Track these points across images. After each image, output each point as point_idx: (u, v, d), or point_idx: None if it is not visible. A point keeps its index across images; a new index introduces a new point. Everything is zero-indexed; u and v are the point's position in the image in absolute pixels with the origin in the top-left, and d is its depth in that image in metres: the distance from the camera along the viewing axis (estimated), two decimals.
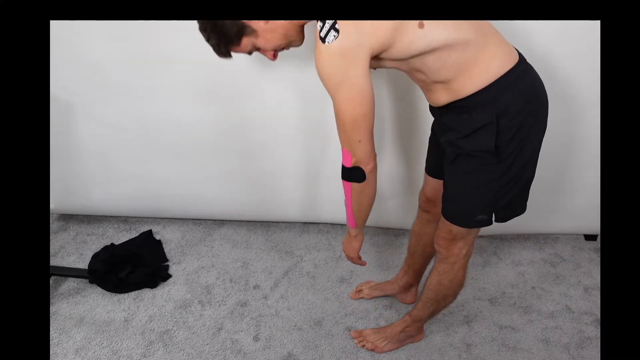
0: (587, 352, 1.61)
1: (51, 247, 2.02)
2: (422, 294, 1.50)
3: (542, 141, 1.24)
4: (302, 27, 1.18)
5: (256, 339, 1.66)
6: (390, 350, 1.61)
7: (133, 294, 1.81)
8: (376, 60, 1.12)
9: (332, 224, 2.13)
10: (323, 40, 1.04)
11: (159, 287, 1.85)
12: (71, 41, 1.65)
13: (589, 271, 1.93)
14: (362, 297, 1.80)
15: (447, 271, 1.40)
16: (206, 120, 1.79)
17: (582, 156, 1.77)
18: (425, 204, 1.55)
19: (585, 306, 1.78)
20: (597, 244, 2.06)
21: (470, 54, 1.10)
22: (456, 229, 1.31)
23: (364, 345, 1.62)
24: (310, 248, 2.03)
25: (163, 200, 2.02)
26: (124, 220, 2.17)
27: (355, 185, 1.22)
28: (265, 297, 1.81)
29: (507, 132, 1.14)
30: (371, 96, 1.10)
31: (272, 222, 2.16)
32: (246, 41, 1.14)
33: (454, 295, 1.47)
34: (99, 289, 1.83)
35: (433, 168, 1.47)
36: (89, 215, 2.18)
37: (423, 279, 1.71)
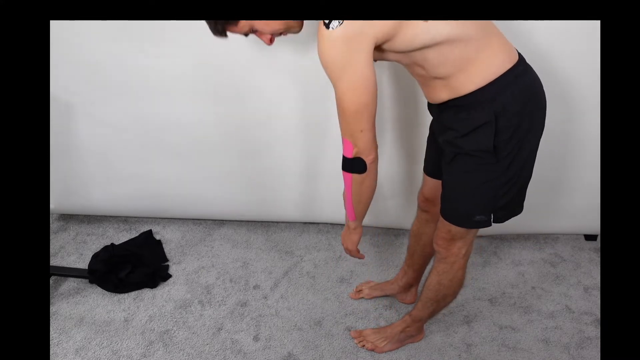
0: (587, 352, 1.61)
1: (51, 247, 2.02)
2: (422, 294, 1.50)
3: (540, 141, 1.24)
4: None
5: (256, 339, 1.66)
6: (390, 350, 1.61)
7: (133, 294, 1.81)
8: (379, 51, 1.10)
9: (332, 224, 2.13)
10: (327, 26, 1.02)
11: (159, 287, 1.85)
12: (71, 41, 1.65)
13: (589, 271, 1.93)
14: (362, 297, 1.80)
15: (447, 271, 1.40)
16: (206, 120, 1.79)
17: (583, 156, 1.77)
18: (424, 203, 1.55)
19: (585, 306, 1.78)
20: (597, 244, 2.06)
21: (472, 52, 1.09)
22: (455, 229, 1.31)
23: (364, 345, 1.62)
24: (310, 248, 2.03)
25: (163, 200, 2.02)
26: (124, 220, 2.17)
27: (356, 176, 1.20)
28: (265, 297, 1.81)
29: (505, 131, 1.14)
30: (374, 85, 1.08)
31: (272, 222, 2.16)
32: (244, 22, 1.11)
33: (454, 295, 1.47)
34: (99, 289, 1.83)
35: (431, 168, 1.47)
36: (89, 215, 2.18)
37: (423, 278, 1.71)
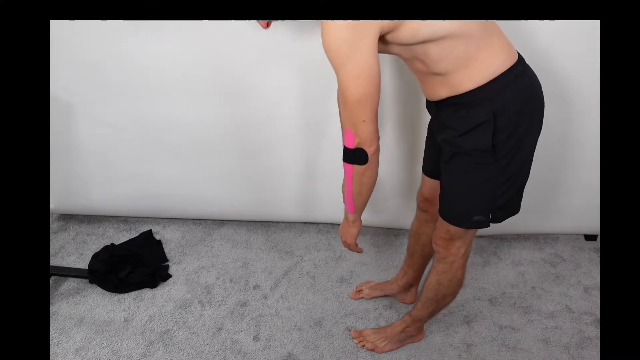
0: (587, 352, 1.61)
1: (51, 247, 2.02)
2: (422, 294, 1.50)
3: (538, 142, 1.24)
4: None
5: (256, 339, 1.66)
6: (390, 350, 1.61)
7: (133, 294, 1.81)
8: (382, 43, 1.09)
9: (332, 224, 2.13)
10: None
11: (159, 287, 1.85)
12: (71, 41, 1.65)
13: (589, 271, 1.93)
14: (362, 297, 1.80)
15: (446, 271, 1.40)
16: (206, 120, 1.79)
17: (582, 156, 1.77)
18: (423, 203, 1.55)
19: (585, 306, 1.78)
20: (597, 244, 2.06)
21: (473, 49, 1.09)
22: (454, 228, 1.31)
23: (364, 345, 1.62)
24: (310, 248, 2.03)
25: (163, 200, 2.02)
26: (124, 220, 2.17)
27: (357, 167, 1.18)
28: (265, 297, 1.81)
29: (504, 131, 1.14)
30: (378, 74, 1.06)
31: (272, 222, 2.16)
32: None
33: (453, 294, 1.47)
34: (99, 289, 1.83)
35: (430, 168, 1.47)
36: (89, 215, 2.18)
37: (423, 278, 1.71)
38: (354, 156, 1.17)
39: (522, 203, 1.34)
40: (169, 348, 1.62)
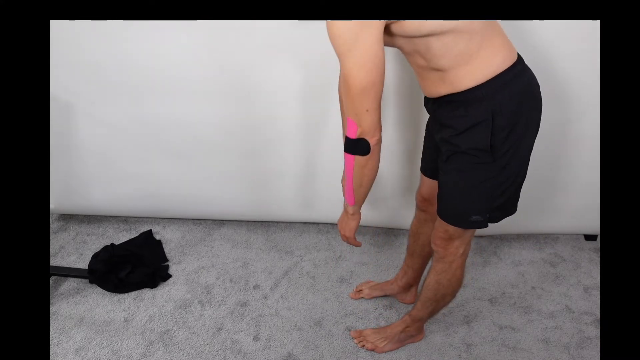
0: (587, 352, 1.61)
1: (51, 247, 2.01)
2: (421, 294, 1.50)
3: (538, 142, 1.24)
4: None
5: (256, 339, 1.66)
6: (390, 350, 1.61)
7: (133, 294, 1.81)
8: (387, 35, 1.08)
9: (332, 224, 2.13)
10: None
11: (159, 287, 1.85)
12: (71, 41, 1.65)
13: (589, 271, 1.93)
14: (362, 297, 1.80)
15: (445, 270, 1.40)
16: (206, 120, 1.79)
17: (582, 156, 1.77)
18: (422, 203, 1.55)
19: (585, 306, 1.78)
20: (597, 244, 2.06)
21: (474, 46, 1.09)
22: (452, 228, 1.31)
23: (364, 346, 1.62)
24: (310, 248, 2.03)
25: (163, 200, 2.02)
26: (124, 220, 2.17)
27: (358, 158, 1.16)
28: (265, 297, 1.81)
29: (502, 130, 1.14)
30: (383, 63, 1.05)
31: (272, 222, 2.16)
32: None
33: (453, 294, 1.47)
34: (99, 289, 1.83)
35: (428, 168, 1.47)
36: (89, 215, 2.18)
37: (422, 278, 1.71)
38: (356, 147, 1.15)
39: (523, 203, 1.34)
40: (169, 348, 1.62)
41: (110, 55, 1.67)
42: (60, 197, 2.03)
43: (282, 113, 1.76)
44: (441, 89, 1.16)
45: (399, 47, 1.15)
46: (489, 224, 1.28)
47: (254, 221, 2.16)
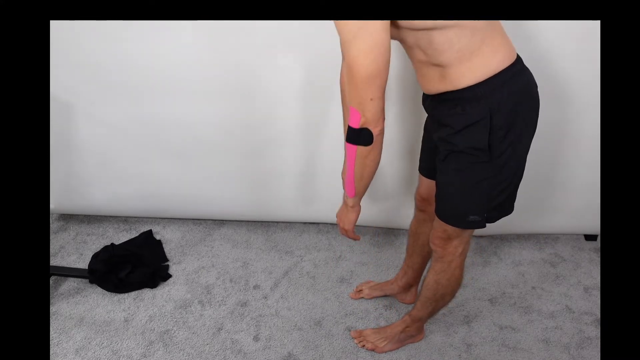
0: (587, 352, 1.61)
1: (51, 247, 2.02)
2: (421, 294, 1.50)
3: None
4: None
5: (256, 339, 1.66)
6: (390, 351, 1.61)
7: (133, 294, 1.81)
8: (392, 26, 1.07)
9: (332, 224, 2.13)
10: None
11: (159, 287, 1.85)
12: (71, 41, 1.65)
13: (589, 271, 1.93)
14: (362, 297, 1.80)
15: (444, 270, 1.39)
16: (206, 120, 1.79)
17: (583, 155, 1.77)
18: (420, 203, 1.55)
19: (585, 306, 1.78)
20: (597, 244, 2.06)
21: (476, 43, 1.08)
22: (450, 228, 1.30)
23: (364, 346, 1.62)
24: (310, 248, 2.03)
25: (163, 200, 2.03)
26: (124, 220, 2.17)
27: (361, 148, 1.14)
28: (265, 297, 1.81)
29: (499, 129, 1.14)
30: (388, 51, 1.03)
31: (272, 222, 2.16)
32: None
33: (452, 294, 1.47)
34: (99, 289, 1.83)
35: (426, 168, 1.47)
36: (89, 215, 2.18)
37: (422, 278, 1.71)
38: (359, 136, 1.13)
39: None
40: (169, 348, 1.62)
41: (110, 55, 1.67)
42: (60, 197, 2.03)
43: (282, 113, 1.76)
44: (440, 86, 1.16)
45: (402, 40, 1.14)
46: (489, 224, 1.28)
47: (254, 221, 2.16)
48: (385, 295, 1.80)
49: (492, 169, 1.18)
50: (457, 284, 1.44)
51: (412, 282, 1.75)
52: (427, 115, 1.37)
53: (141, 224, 2.14)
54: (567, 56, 1.56)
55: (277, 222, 2.16)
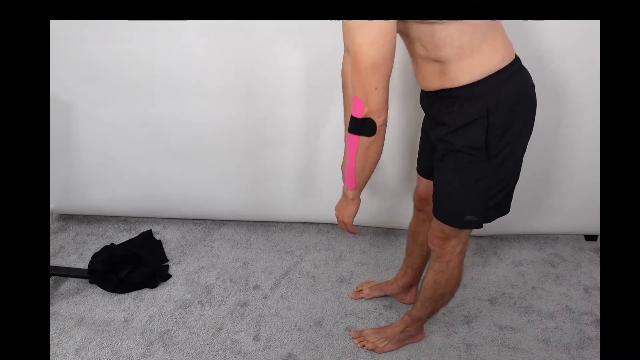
0: (587, 352, 1.61)
1: (51, 247, 2.02)
2: (420, 294, 1.50)
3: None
4: None
5: (256, 339, 1.66)
6: (390, 351, 1.61)
7: (133, 294, 1.81)
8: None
9: (332, 224, 2.13)
10: None
11: (159, 287, 1.85)
12: (71, 41, 1.65)
13: (589, 271, 1.93)
14: (362, 297, 1.80)
15: (443, 269, 1.39)
16: (206, 120, 1.79)
17: (583, 156, 1.77)
18: (419, 203, 1.56)
19: (585, 306, 1.78)
20: (597, 244, 2.06)
21: (477, 40, 1.08)
22: (448, 228, 1.30)
23: (364, 346, 1.62)
24: (310, 248, 2.03)
25: (163, 200, 2.03)
26: (124, 220, 2.17)
27: (363, 139, 1.13)
28: (265, 297, 1.81)
29: (496, 129, 1.14)
30: (394, 40, 1.03)
31: (272, 222, 2.16)
32: None
33: (451, 293, 1.47)
34: (99, 289, 1.83)
35: (424, 168, 1.47)
36: (89, 215, 2.18)
37: (422, 278, 1.71)
38: (362, 126, 1.11)
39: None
40: (169, 348, 1.62)
41: (110, 55, 1.67)
42: (60, 197, 2.03)
43: (282, 113, 1.76)
44: (439, 82, 1.15)
45: (404, 33, 1.13)
46: (489, 224, 1.28)
47: (254, 221, 2.16)
48: (385, 296, 1.80)
49: (489, 168, 1.18)
50: (456, 283, 1.44)
51: (412, 282, 1.75)
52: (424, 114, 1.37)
53: (141, 224, 2.14)
54: (567, 56, 1.56)
55: (277, 222, 2.16)
